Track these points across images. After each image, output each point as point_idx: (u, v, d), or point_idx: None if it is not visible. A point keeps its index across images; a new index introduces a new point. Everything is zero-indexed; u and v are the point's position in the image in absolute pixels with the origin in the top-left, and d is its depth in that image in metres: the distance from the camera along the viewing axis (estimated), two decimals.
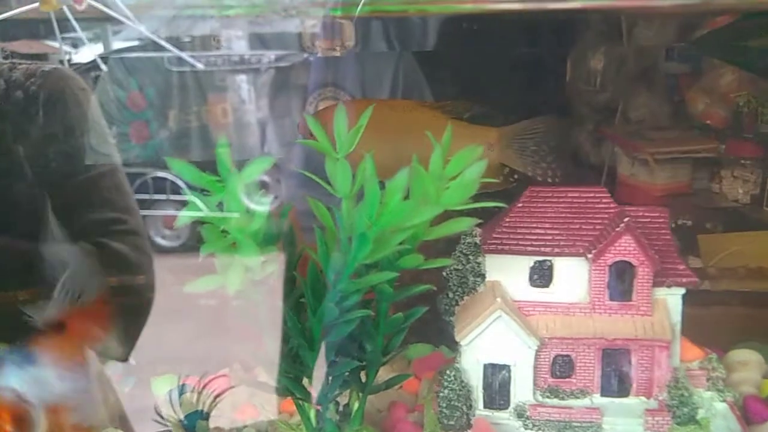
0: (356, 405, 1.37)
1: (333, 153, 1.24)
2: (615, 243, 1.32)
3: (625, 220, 1.31)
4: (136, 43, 2.23)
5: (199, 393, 1.41)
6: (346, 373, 1.32)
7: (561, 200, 1.38)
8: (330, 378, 1.32)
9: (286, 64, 2.30)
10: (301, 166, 2.20)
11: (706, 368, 1.37)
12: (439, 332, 1.62)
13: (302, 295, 1.29)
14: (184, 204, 2.34)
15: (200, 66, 2.24)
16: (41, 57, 1.96)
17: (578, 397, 1.37)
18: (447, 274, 1.44)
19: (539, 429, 1.35)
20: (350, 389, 1.37)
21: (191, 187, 1.24)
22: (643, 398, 1.36)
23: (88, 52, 2.09)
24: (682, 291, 1.35)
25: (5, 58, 1.86)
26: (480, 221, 1.24)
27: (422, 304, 1.35)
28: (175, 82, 2.33)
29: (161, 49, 2.12)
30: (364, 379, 1.35)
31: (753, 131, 2.17)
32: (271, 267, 1.22)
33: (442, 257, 1.36)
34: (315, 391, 1.34)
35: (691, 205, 2.24)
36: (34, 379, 1.15)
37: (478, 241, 1.42)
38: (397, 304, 1.33)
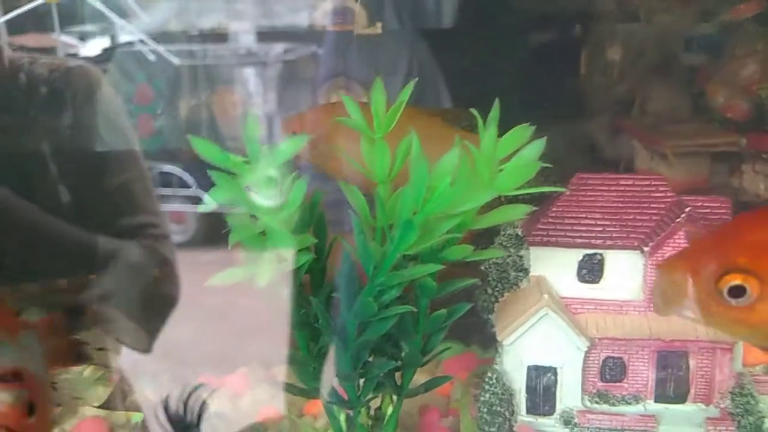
0: (390, 409, 1.25)
1: (370, 132, 1.13)
2: (674, 235, 1.22)
3: (686, 210, 1.21)
4: (144, 36, 2.16)
5: (185, 403, 1.28)
6: (381, 375, 1.20)
7: (612, 188, 1.27)
8: (363, 380, 1.20)
9: (293, 57, 2.23)
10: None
11: None
12: (469, 330, 1.52)
13: (334, 290, 1.18)
14: (191, 199, 2.28)
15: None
16: (49, 51, 1.93)
17: (630, 403, 1.26)
18: (486, 269, 1.32)
19: None
20: (384, 392, 1.25)
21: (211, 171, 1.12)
22: (702, 405, 1.25)
23: (95, 46, 2.08)
24: None
25: (14, 51, 1.78)
26: (535, 208, 1.13)
27: (456, 301, 1.24)
28: (184, 75, 2.26)
29: (169, 42, 2.07)
30: (399, 382, 1.24)
31: None
32: (305, 257, 1.10)
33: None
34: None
35: None
36: None
37: (520, 233, 1.31)
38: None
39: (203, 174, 1.12)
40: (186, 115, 2.29)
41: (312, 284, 1.20)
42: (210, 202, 1.11)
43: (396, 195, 1.10)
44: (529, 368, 1.27)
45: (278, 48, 2.23)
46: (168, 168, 2.32)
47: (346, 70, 2.19)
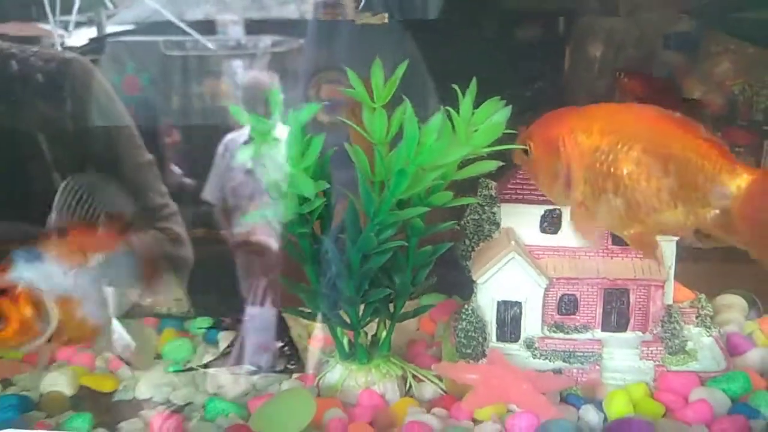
0: (384, 333, 1.52)
1: (371, 103, 1.40)
2: None
3: None
4: (131, 26, 2.22)
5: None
6: (377, 302, 1.47)
7: None
8: (362, 306, 1.48)
9: (282, 50, 2.26)
10: None
11: (696, 307, 1.54)
12: (452, 285, 1.78)
13: (341, 231, 1.45)
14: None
15: (199, 39, 2.15)
16: (33, 40, 1.97)
17: (581, 332, 1.53)
18: (464, 223, 1.58)
19: (546, 358, 1.51)
20: (379, 319, 1.52)
21: None
22: (639, 333, 1.52)
23: (81, 36, 2.10)
24: (676, 238, 1.51)
25: None
26: (503, 163, 1.40)
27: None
28: (172, 66, 2.27)
29: (156, 33, 2.13)
30: (391, 310, 1.51)
31: (748, 119, 2.22)
32: (319, 201, 1.37)
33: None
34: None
35: None
36: (43, 273, 1.27)
37: (493, 194, 1.57)
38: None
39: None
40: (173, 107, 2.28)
41: (322, 227, 1.47)
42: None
43: (392, 153, 1.38)
44: (498, 303, 1.53)
45: (267, 40, 2.23)
46: None
47: (334, 63, 2.17)
